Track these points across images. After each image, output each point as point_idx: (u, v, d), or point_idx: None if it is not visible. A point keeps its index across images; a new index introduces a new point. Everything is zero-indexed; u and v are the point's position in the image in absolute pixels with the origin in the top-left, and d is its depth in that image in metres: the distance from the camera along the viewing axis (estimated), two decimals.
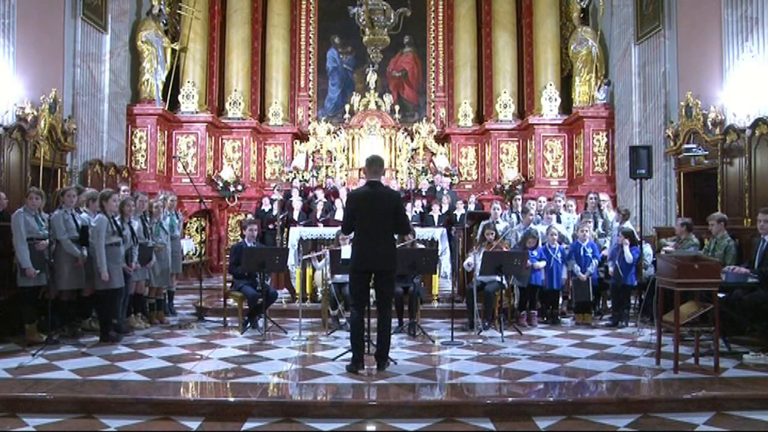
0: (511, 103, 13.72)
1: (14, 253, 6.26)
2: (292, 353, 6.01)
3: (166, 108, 12.75)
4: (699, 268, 5.20)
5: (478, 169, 14.24)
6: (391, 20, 9.06)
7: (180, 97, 13.08)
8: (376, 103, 13.84)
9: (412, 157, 13.85)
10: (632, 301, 7.99)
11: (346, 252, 6.26)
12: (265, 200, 11.94)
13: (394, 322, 6.69)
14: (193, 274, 11.39)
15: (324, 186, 12.71)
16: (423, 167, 13.74)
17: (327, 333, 6.98)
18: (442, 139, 14.29)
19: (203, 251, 12.89)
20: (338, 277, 7.34)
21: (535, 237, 7.79)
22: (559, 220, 8.67)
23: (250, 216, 10.72)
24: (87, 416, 4.33)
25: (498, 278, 7.12)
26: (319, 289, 8.07)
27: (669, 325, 5.42)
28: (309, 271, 8.08)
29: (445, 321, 7.16)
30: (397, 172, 13.41)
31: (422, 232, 8.65)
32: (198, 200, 11.15)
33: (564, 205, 9.18)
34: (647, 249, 7.85)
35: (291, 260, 8.05)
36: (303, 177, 13.30)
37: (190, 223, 12.86)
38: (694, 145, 9.26)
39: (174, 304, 8.53)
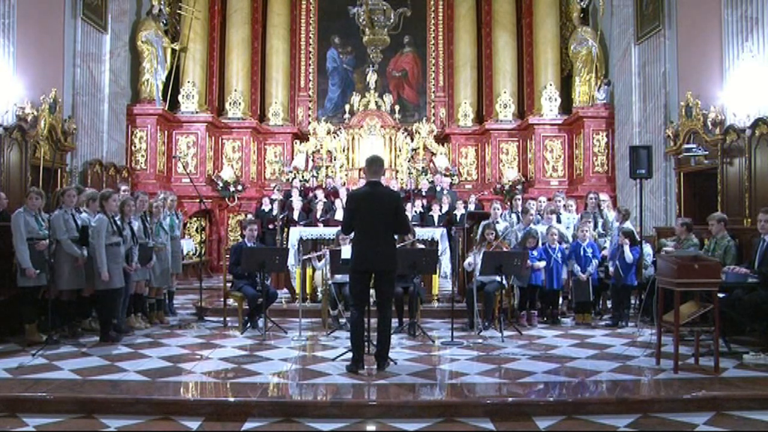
0: (511, 103, 13.72)
1: (14, 253, 6.25)
2: (292, 353, 6.01)
3: (166, 108, 12.75)
4: (699, 268, 5.20)
5: (478, 169, 14.24)
6: (391, 20, 9.06)
7: (180, 97, 13.08)
8: (376, 103, 13.85)
9: (412, 157, 13.85)
10: (632, 301, 7.99)
11: (346, 252, 6.26)
12: (265, 200, 11.95)
13: (394, 322, 6.69)
14: (193, 274, 11.39)
15: (324, 186, 12.71)
16: (423, 167, 13.75)
17: (327, 333, 6.98)
18: (442, 139, 14.29)
19: (203, 251, 12.89)
20: (338, 277, 7.34)
21: (535, 237, 7.79)
22: (559, 220, 8.67)
23: (250, 216, 10.72)
24: (87, 416, 4.33)
25: (498, 278, 7.12)
26: (319, 289, 8.07)
27: (669, 325, 5.42)
28: (309, 271, 8.08)
29: (445, 321, 7.16)
30: (397, 172, 13.41)
31: (422, 232, 8.64)
32: (198, 200, 11.15)
33: (564, 205, 9.19)
34: (647, 249, 7.84)
35: (291, 260, 8.05)
36: (303, 177, 13.30)
37: (190, 223, 12.86)
38: (694, 145, 9.26)
39: (174, 304, 8.53)
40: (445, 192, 11.93)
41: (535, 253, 7.61)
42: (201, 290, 8.32)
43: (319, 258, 7.82)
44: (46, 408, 4.39)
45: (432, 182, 12.98)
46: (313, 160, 13.87)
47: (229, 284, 7.68)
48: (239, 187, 13.04)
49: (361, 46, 10.84)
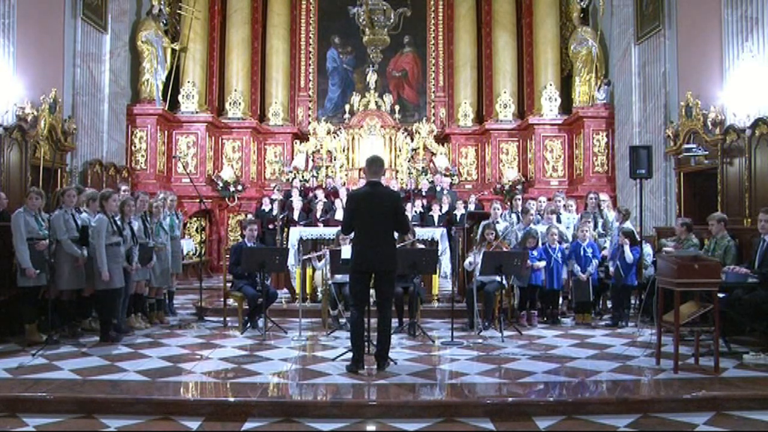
0: (511, 103, 13.72)
1: (14, 253, 6.25)
2: (292, 353, 6.01)
3: (166, 108, 12.75)
4: (699, 268, 5.20)
5: (478, 169, 14.24)
6: (391, 20, 9.06)
7: (180, 97, 13.08)
8: (376, 103, 13.85)
9: (412, 157, 13.85)
10: (632, 301, 7.99)
11: (346, 252, 6.26)
12: (265, 200, 11.95)
13: (394, 322, 6.69)
14: (193, 274, 11.39)
15: (324, 186, 12.71)
16: (423, 167, 13.74)
17: (327, 333, 6.98)
18: (442, 139, 14.29)
19: (203, 251, 12.89)
20: (338, 277, 7.34)
21: (535, 237, 7.79)
22: (559, 220, 8.67)
23: (250, 216, 10.72)
24: (87, 416, 4.33)
25: (498, 278, 7.12)
26: (319, 289, 8.07)
27: (669, 325, 5.42)
28: (309, 271, 8.08)
29: (445, 321, 7.16)
30: (397, 172, 13.41)
31: (422, 232, 8.65)
32: (198, 200, 11.15)
33: (564, 205, 9.19)
34: (647, 249, 7.84)
35: (291, 260, 8.05)
36: (303, 177, 13.29)
37: (190, 223, 12.87)
38: (694, 145, 9.26)
39: (174, 304, 8.53)
40: (445, 192, 11.93)
41: (535, 253, 7.62)
42: (201, 290, 8.32)
43: (319, 258, 7.82)
44: (46, 408, 4.39)
45: (432, 182, 12.97)
46: (313, 160, 13.87)
47: (229, 284, 7.68)
48: (239, 187, 13.04)
49: (361, 46, 10.85)
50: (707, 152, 9.07)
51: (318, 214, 11.14)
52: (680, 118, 9.79)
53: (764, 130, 7.69)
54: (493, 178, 13.57)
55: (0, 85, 8.15)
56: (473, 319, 7.07)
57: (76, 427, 4.18)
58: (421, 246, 7.85)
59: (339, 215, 10.47)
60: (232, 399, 4.57)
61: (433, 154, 13.97)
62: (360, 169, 12.74)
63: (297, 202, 11.52)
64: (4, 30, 8.26)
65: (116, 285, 6.50)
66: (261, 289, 7.06)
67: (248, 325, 7.21)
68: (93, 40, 10.73)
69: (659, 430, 4.21)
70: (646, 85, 11.04)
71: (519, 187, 12.82)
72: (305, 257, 7.89)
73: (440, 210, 10.99)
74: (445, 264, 8.70)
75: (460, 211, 10.92)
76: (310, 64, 14.74)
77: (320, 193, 11.73)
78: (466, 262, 7.56)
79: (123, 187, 9.22)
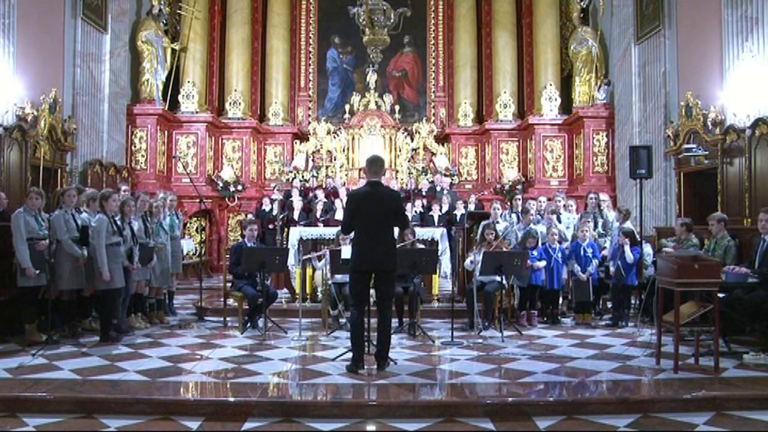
0: (511, 103, 13.72)
1: (14, 253, 6.25)
2: (292, 353, 6.01)
3: (166, 108, 12.75)
4: (699, 268, 5.20)
5: (478, 169, 14.24)
6: (391, 20, 9.07)
7: (180, 97, 13.08)
8: (376, 103, 13.85)
9: (412, 157, 13.86)
10: (632, 301, 7.99)
11: (346, 252, 6.26)
12: (266, 200, 11.95)
13: (394, 322, 6.69)
14: (193, 274, 11.39)
15: (324, 186, 12.71)
16: (423, 167, 13.75)
17: (327, 333, 6.98)
18: (442, 139, 14.30)
19: (203, 251, 12.89)
20: (338, 277, 7.34)
21: (535, 237, 7.79)
22: (559, 220, 8.67)
23: (250, 216, 10.72)
24: (87, 416, 4.33)
25: (498, 278, 7.12)
26: (319, 289, 8.07)
27: (669, 325, 5.42)
28: (309, 271, 8.08)
29: (445, 321, 7.16)
30: (397, 172, 13.41)
31: (422, 232, 8.64)
32: (198, 200, 11.15)
33: (564, 205, 9.19)
34: (647, 249, 7.84)
35: (291, 260, 8.05)
36: (303, 177, 13.30)
37: (190, 223, 12.87)
38: (694, 145, 9.26)
39: (174, 304, 8.53)
40: (445, 192, 11.94)
41: (535, 253, 7.61)
42: (201, 290, 8.31)
43: (319, 258, 7.81)
44: (46, 408, 4.39)
45: (432, 182, 12.98)
46: (313, 160, 13.87)
47: (229, 284, 7.68)
48: (239, 187, 13.04)
49: (361, 46, 10.85)
50: (707, 152, 9.07)
51: (318, 214, 11.14)
52: (680, 118, 9.79)
53: (764, 130, 7.69)
54: (493, 178, 13.57)
55: (0, 85, 8.15)
56: (473, 319, 7.07)
57: (76, 427, 4.18)
58: (421, 246, 7.85)
59: (339, 215, 10.47)
60: (232, 399, 4.57)
61: (433, 154, 13.97)
62: (360, 169, 12.74)
63: (297, 202, 11.52)
64: (4, 30, 8.26)
65: (116, 285, 6.50)
66: (261, 289, 7.06)
67: (248, 325, 7.21)
68: (93, 40, 10.73)
69: (659, 430, 4.21)
70: (646, 85, 11.04)
71: (519, 187, 12.82)
72: (305, 257, 7.89)
73: (440, 210, 11.00)
74: (445, 264, 8.70)
75: (460, 211, 10.92)
76: (310, 64, 14.74)
77: (320, 193, 11.73)
78: (467, 262, 7.56)
79: (123, 187, 9.22)
